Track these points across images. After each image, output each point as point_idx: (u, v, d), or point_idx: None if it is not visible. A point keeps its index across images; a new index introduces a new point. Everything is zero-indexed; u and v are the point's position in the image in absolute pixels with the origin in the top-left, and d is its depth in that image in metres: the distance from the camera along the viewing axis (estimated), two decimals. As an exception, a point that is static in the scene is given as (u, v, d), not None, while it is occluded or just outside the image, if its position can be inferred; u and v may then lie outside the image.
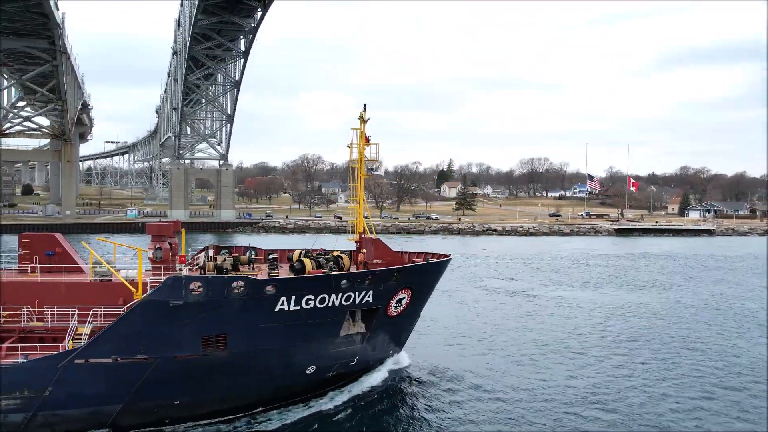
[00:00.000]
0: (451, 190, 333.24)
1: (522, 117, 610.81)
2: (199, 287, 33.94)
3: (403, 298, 41.79)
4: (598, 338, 56.84)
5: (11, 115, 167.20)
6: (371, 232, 45.15)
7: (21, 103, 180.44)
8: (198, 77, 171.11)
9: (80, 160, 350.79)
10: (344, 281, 37.53)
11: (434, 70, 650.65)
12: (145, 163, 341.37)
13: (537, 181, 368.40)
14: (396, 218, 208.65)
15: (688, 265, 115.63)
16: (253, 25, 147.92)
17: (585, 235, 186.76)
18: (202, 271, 40.95)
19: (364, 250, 44.01)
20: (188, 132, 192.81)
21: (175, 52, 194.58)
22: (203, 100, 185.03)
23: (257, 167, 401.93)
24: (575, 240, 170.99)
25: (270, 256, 47.75)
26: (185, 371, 34.82)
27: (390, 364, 45.19)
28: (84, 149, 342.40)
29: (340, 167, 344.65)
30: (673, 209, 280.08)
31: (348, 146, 45.09)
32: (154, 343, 33.91)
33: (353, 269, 43.09)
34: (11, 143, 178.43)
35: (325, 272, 39.26)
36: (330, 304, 37.34)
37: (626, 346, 53.85)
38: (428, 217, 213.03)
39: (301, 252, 46.74)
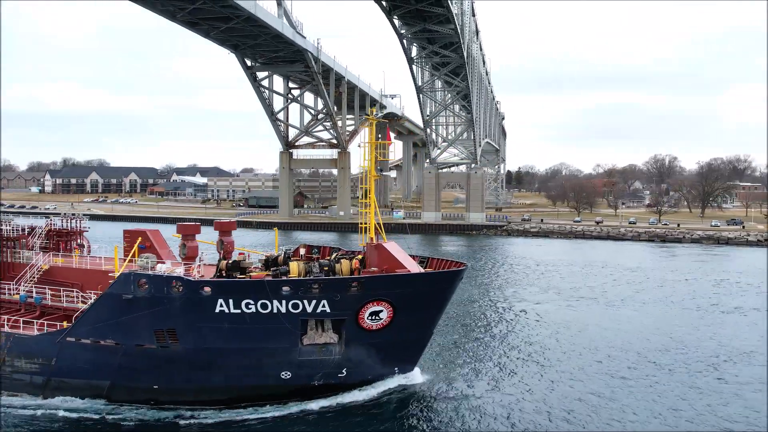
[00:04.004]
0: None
1: None
2: (144, 283, 36.91)
3: (380, 311, 38.39)
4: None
5: (299, 132, 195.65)
6: (382, 236, 42.46)
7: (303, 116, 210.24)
8: (429, 84, 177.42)
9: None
10: (285, 288, 36.43)
11: None
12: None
13: None
14: (667, 223, 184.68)
15: None
16: (452, 30, 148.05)
17: None
18: (217, 269, 43.65)
19: (360, 256, 41.71)
20: (436, 138, 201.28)
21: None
22: (442, 107, 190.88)
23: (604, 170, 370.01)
24: None
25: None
26: (149, 360, 38.16)
27: (393, 381, 41.77)
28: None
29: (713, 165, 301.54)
30: None
31: (359, 146, 43.33)
32: (118, 331, 38.07)
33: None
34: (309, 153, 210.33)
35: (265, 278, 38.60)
36: (275, 311, 36.65)
37: None
38: (730, 223, 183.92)
39: (337, 253, 46.26)
